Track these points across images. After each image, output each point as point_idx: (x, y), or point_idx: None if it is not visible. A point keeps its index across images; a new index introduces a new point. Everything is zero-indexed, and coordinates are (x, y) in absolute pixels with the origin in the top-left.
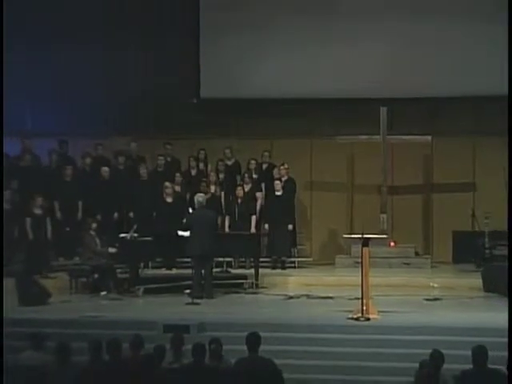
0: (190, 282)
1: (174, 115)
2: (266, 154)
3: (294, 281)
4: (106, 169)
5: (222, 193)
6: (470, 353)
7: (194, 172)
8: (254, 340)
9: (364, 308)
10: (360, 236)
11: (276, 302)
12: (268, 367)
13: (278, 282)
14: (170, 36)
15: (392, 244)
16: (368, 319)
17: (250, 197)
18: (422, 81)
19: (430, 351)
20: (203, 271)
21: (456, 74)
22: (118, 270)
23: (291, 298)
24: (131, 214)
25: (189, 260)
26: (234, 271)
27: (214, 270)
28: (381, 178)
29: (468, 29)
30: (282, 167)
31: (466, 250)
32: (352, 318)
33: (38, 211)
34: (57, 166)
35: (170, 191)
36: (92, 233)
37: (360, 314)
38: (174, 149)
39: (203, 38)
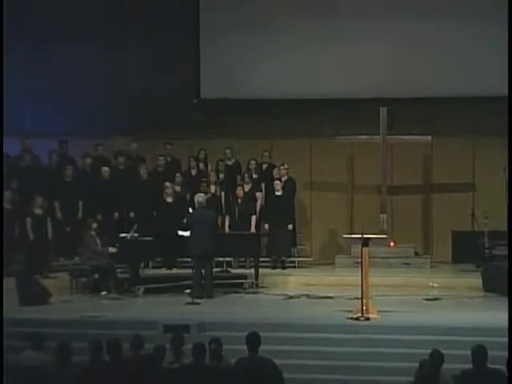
0: (190, 282)
1: (174, 115)
2: (266, 154)
3: (294, 281)
4: (106, 169)
5: (222, 193)
6: (469, 352)
7: (194, 172)
8: (253, 340)
9: (364, 308)
10: (360, 236)
11: (276, 301)
12: (268, 367)
13: (277, 282)
14: (170, 36)
15: (392, 244)
16: (368, 319)
17: (250, 197)
18: (421, 81)
19: (429, 351)
20: (203, 271)
21: (456, 74)
22: (119, 270)
23: (291, 297)
24: (131, 214)
25: (189, 260)
26: (234, 271)
27: (214, 269)
28: (380, 178)
29: (468, 29)
30: (281, 167)
31: (466, 249)
32: (352, 318)
33: (38, 211)
34: (57, 166)
35: (170, 191)
36: (92, 233)
37: (360, 314)
38: (174, 149)
39: (203, 38)
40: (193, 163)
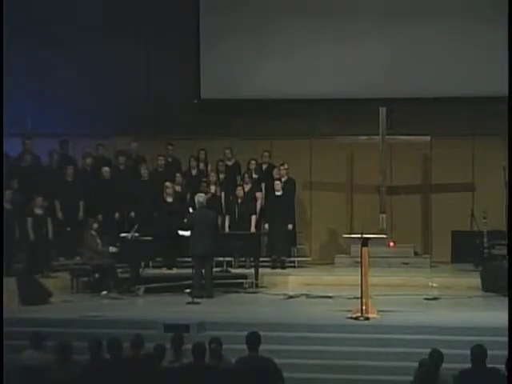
0: (190, 282)
1: (174, 115)
2: (266, 154)
3: (294, 280)
4: (106, 169)
5: (223, 193)
6: (468, 352)
7: (194, 172)
8: (253, 339)
9: (363, 307)
10: (359, 236)
11: (276, 301)
12: (268, 366)
13: (277, 282)
14: (170, 36)
15: (391, 244)
16: (367, 319)
17: (250, 197)
18: (421, 81)
19: (429, 350)
20: (203, 271)
21: (455, 74)
22: (119, 270)
23: (291, 297)
24: (132, 214)
25: (189, 260)
26: (234, 271)
27: (215, 269)
28: (380, 178)
29: (467, 29)
30: (281, 167)
31: (465, 249)
32: (351, 318)
33: (39, 211)
34: (58, 166)
35: (170, 191)
36: (93, 232)
37: (359, 314)
38: (174, 149)
39: (203, 39)
40: (193, 163)
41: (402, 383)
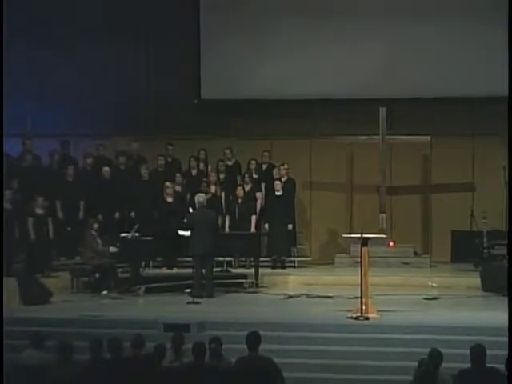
0: (190, 282)
1: (174, 116)
2: (266, 154)
3: (294, 280)
4: (107, 169)
5: (223, 193)
6: (468, 352)
7: (194, 172)
8: (253, 339)
9: (363, 307)
10: (359, 236)
11: (276, 301)
12: (268, 366)
13: (277, 282)
14: (171, 36)
15: (391, 244)
16: (367, 318)
17: (250, 197)
18: (421, 81)
19: (428, 350)
20: (204, 271)
21: (455, 74)
22: (119, 270)
23: (291, 297)
24: (132, 214)
25: (189, 259)
26: (234, 271)
27: (215, 269)
28: (380, 178)
29: (467, 29)
30: (281, 167)
31: (465, 249)
32: (351, 317)
33: (39, 211)
34: (58, 166)
35: (170, 191)
36: (93, 232)
37: (359, 314)
38: (174, 149)
39: (203, 39)
40: (193, 163)
41: (401, 383)
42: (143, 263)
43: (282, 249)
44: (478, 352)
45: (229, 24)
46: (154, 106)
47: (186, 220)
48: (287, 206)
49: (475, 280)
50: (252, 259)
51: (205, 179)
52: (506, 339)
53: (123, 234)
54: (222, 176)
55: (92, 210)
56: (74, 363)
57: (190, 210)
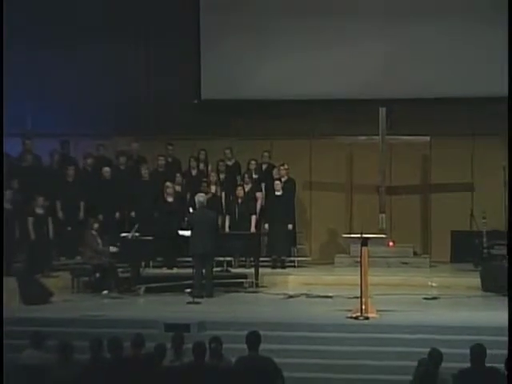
0: (190, 281)
1: (174, 116)
2: (266, 154)
3: (294, 280)
4: (107, 169)
5: (223, 193)
6: (468, 351)
7: (194, 172)
8: (254, 339)
9: (363, 307)
10: (359, 235)
11: (276, 301)
12: (268, 366)
13: (277, 281)
14: (171, 36)
15: (391, 244)
16: (367, 318)
17: (250, 197)
18: (420, 81)
19: (428, 350)
20: (204, 270)
21: (455, 74)
22: (120, 270)
23: (291, 297)
24: (132, 214)
25: (189, 259)
26: (234, 270)
27: (215, 269)
28: (380, 178)
29: (467, 29)
30: (281, 167)
31: (465, 249)
32: (351, 317)
33: (40, 211)
34: (59, 166)
35: (170, 191)
36: (93, 232)
37: (359, 313)
38: (174, 149)
39: (203, 39)
40: (193, 163)
41: (401, 382)
42: (143, 263)
43: (281, 249)
44: (478, 352)
45: (229, 24)
46: (154, 106)
47: (186, 220)
48: (287, 205)
49: (475, 280)
50: (252, 259)
51: (205, 179)
52: (505, 339)
53: (123, 234)
54: (222, 176)
55: (92, 210)
56: (75, 363)
57: (190, 210)
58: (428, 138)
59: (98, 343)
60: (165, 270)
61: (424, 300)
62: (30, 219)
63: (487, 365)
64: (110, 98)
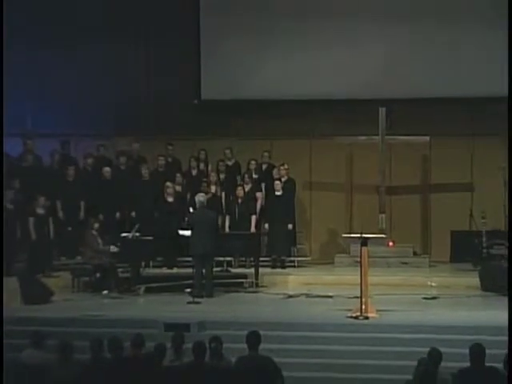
0: (190, 281)
1: (174, 116)
2: (266, 154)
3: (294, 280)
4: (107, 169)
5: (223, 193)
6: (467, 351)
7: (194, 172)
8: (254, 338)
9: (363, 307)
10: (359, 235)
11: (276, 300)
12: (268, 365)
13: (277, 281)
14: (171, 37)
15: (391, 243)
16: (367, 318)
17: (250, 197)
18: (420, 81)
19: (428, 349)
20: (204, 270)
21: (455, 74)
22: (120, 270)
23: (291, 296)
24: (133, 214)
25: (189, 259)
26: (234, 270)
27: (215, 269)
28: (379, 178)
29: (467, 29)
30: (281, 167)
31: (464, 249)
32: (351, 317)
33: (40, 211)
34: (59, 167)
35: (171, 191)
36: (94, 232)
37: (359, 313)
38: (174, 149)
39: (204, 40)
40: (193, 163)
41: (401, 382)
42: (143, 263)
43: (281, 248)
44: (477, 351)
45: (229, 24)
46: (154, 106)
47: (186, 220)
48: (287, 205)
49: (474, 280)
50: (252, 259)
51: (205, 179)
52: (504, 338)
53: (124, 234)
54: (222, 176)
55: (93, 210)
56: (75, 362)
57: (191, 210)
58: (428, 138)
59: (98, 343)
60: (165, 270)
61: (424, 300)
62: (31, 219)
63: (486, 364)
64: (110, 97)
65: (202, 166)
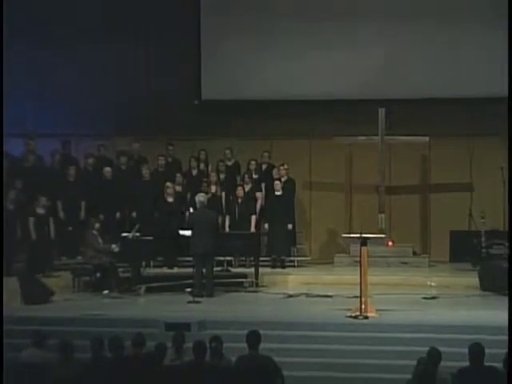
0: (191, 281)
1: (174, 116)
2: (266, 154)
3: (294, 279)
4: (108, 169)
5: (223, 193)
6: (466, 350)
7: (194, 172)
8: (254, 338)
9: (363, 306)
10: (359, 235)
11: (276, 300)
12: (268, 365)
13: (277, 281)
14: (171, 37)
15: (390, 243)
16: (366, 317)
17: (250, 197)
18: (420, 82)
19: (427, 349)
20: (204, 270)
21: (454, 75)
22: (120, 269)
23: (291, 296)
24: (133, 214)
25: (190, 259)
26: (234, 270)
27: (215, 268)
28: (379, 178)
29: (467, 29)
30: (281, 167)
31: (463, 249)
32: (351, 317)
33: (41, 211)
34: (60, 167)
35: (171, 191)
36: (94, 232)
37: (359, 313)
38: (174, 149)
39: (204, 40)
40: (193, 163)
41: (400, 381)
42: (144, 263)
43: (281, 248)
44: (477, 351)
45: (229, 24)
46: (154, 106)
47: (186, 220)
48: (287, 206)
49: (473, 279)
50: (252, 259)
51: (205, 179)
52: (504, 338)
53: (124, 234)
54: (222, 176)
55: (93, 210)
56: (75, 362)
57: (191, 210)
58: (427, 139)
59: (98, 342)
60: (165, 270)
61: (423, 299)
62: (31, 219)
63: (486, 364)
64: (110, 97)
65: (202, 166)
